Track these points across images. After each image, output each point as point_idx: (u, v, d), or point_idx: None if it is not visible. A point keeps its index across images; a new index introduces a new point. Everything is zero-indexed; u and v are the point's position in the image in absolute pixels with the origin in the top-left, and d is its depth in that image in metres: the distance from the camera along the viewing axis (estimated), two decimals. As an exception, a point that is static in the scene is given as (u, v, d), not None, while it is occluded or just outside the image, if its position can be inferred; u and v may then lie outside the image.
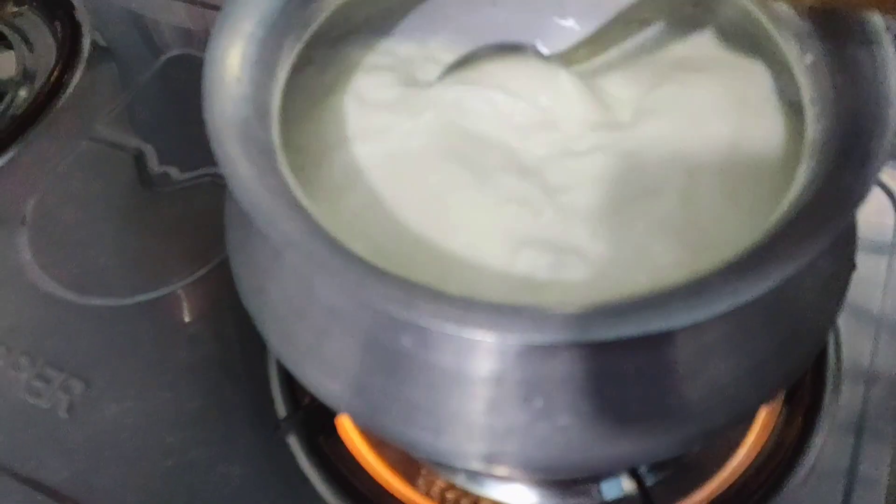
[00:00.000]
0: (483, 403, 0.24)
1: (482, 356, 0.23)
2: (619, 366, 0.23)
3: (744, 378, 0.24)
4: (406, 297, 0.21)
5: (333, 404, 0.26)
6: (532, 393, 0.23)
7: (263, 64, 0.27)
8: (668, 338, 0.23)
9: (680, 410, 0.24)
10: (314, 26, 0.30)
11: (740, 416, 0.25)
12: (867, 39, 0.25)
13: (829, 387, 0.34)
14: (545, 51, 0.35)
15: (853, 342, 0.36)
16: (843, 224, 0.21)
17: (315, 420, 0.34)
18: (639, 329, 0.20)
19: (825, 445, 0.33)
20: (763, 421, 0.34)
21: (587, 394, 0.23)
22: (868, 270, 0.38)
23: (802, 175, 0.23)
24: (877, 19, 0.25)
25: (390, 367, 0.24)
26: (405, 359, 0.24)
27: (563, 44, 0.34)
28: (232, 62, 0.26)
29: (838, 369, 0.35)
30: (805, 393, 0.34)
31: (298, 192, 0.24)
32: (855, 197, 0.21)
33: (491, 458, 0.25)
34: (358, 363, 0.25)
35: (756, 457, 0.33)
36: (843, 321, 0.36)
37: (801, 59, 0.27)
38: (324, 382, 0.26)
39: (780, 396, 0.34)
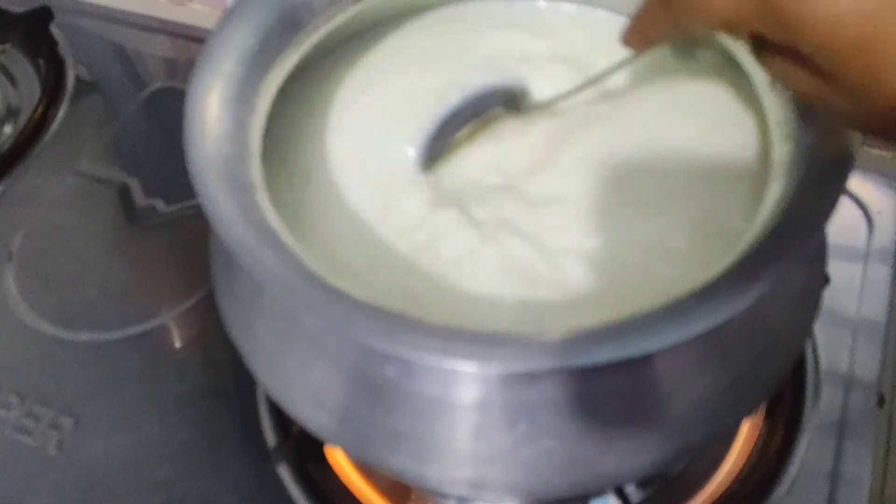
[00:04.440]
0: (467, 430, 0.24)
1: (465, 384, 0.24)
2: (600, 388, 0.23)
3: (722, 394, 0.25)
4: (387, 330, 0.21)
5: (321, 435, 0.27)
6: (516, 418, 0.24)
7: (244, 100, 0.28)
8: (646, 360, 0.23)
9: (660, 429, 0.24)
10: (293, 62, 0.30)
11: (721, 430, 0.26)
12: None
13: (809, 395, 0.35)
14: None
15: (831, 349, 0.37)
16: (809, 245, 0.22)
17: (304, 448, 0.34)
18: (616, 354, 0.21)
19: (808, 453, 0.34)
20: (746, 434, 0.34)
21: (570, 416, 0.24)
22: (843, 278, 0.39)
23: (771, 196, 0.24)
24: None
25: (375, 397, 0.25)
26: (390, 389, 0.24)
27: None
28: (212, 102, 0.27)
29: (817, 377, 0.36)
30: (786, 404, 0.35)
31: (280, 227, 0.25)
32: (820, 218, 0.22)
33: (477, 484, 0.25)
34: (344, 394, 0.25)
35: (740, 470, 0.33)
36: (820, 329, 0.37)
37: (766, 83, 0.28)
38: (311, 414, 0.27)
39: (762, 409, 0.35)
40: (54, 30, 0.56)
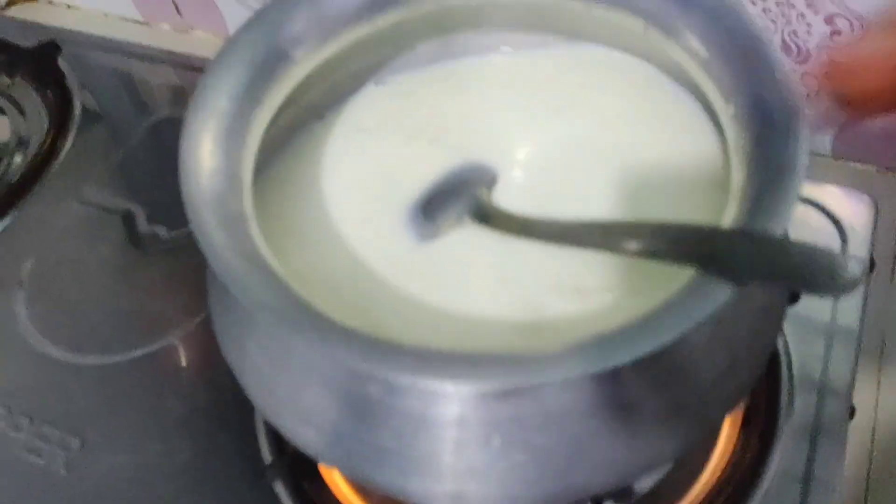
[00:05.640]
0: (446, 445, 0.26)
1: (443, 401, 0.25)
2: (566, 404, 0.25)
3: (685, 409, 0.26)
4: (365, 351, 0.23)
5: (311, 451, 0.28)
6: (490, 434, 0.25)
7: (236, 135, 0.29)
8: (610, 376, 0.25)
9: (627, 443, 0.26)
10: (282, 97, 0.32)
11: (686, 444, 0.27)
12: (780, 91, 0.27)
13: (783, 408, 0.36)
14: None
15: (805, 357, 0.38)
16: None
17: (300, 465, 0.36)
18: (582, 369, 0.22)
19: (781, 463, 0.35)
20: (721, 446, 0.36)
21: (539, 431, 0.25)
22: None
23: (727, 219, 0.26)
24: (787, 70, 0.28)
25: (361, 414, 0.26)
26: (374, 406, 0.26)
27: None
28: (206, 138, 0.29)
29: (791, 388, 0.37)
30: (760, 415, 0.36)
31: (269, 256, 0.26)
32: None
33: (457, 497, 0.27)
34: (331, 411, 0.27)
35: (715, 482, 0.35)
36: (794, 336, 0.38)
37: (725, 110, 0.29)
38: (300, 431, 0.28)
39: (738, 420, 0.36)
40: (62, 63, 0.59)
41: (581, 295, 0.30)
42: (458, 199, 0.33)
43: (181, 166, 0.27)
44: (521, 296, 0.30)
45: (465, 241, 0.32)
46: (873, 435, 0.39)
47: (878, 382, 0.39)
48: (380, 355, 0.23)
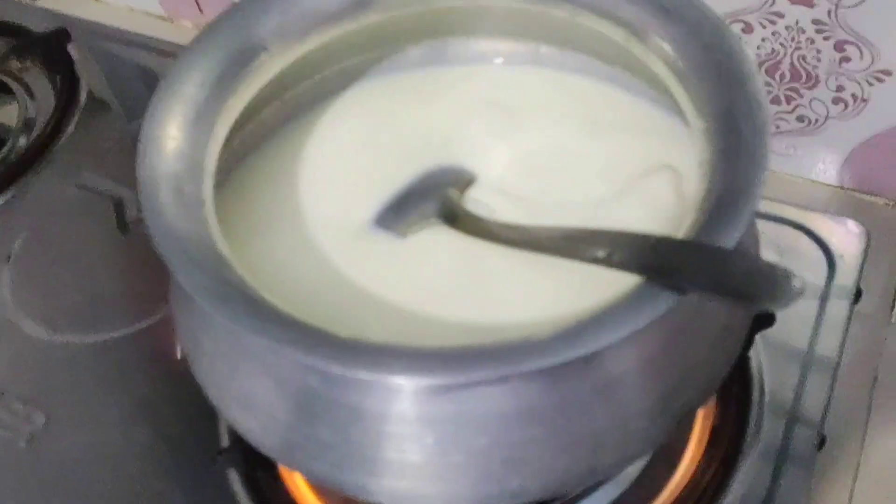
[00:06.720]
0: (382, 440, 0.25)
1: (378, 395, 0.25)
2: (504, 405, 0.24)
3: (630, 421, 0.26)
4: (297, 339, 0.23)
5: (252, 441, 0.28)
6: (425, 431, 0.25)
7: (203, 123, 0.30)
8: (549, 379, 0.24)
9: (567, 450, 0.25)
10: (256, 88, 0.32)
11: (626, 458, 0.26)
12: (750, 106, 0.27)
13: (750, 431, 0.35)
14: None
15: (779, 384, 0.37)
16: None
17: (254, 454, 0.35)
18: (509, 369, 0.22)
19: (742, 490, 0.34)
20: (685, 467, 0.35)
21: (475, 433, 0.25)
22: (799, 313, 0.39)
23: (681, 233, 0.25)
24: (759, 86, 0.27)
25: (300, 406, 0.26)
26: (313, 397, 0.26)
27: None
28: (170, 121, 0.29)
29: (760, 412, 0.36)
30: (725, 437, 0.35)
31: (220, 240, 0.26)
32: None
33: (392, 494, 0.26)
34: (271, 402, 0.27)
35: (674, 502, 0.34)
36: (769, 362, 0.38)
37: (697, 124, 0.29)
38: (243, 420, 0.28)
39: (703, 440, 0.35)
40: (72, 50, 0.60)
41: (540, 299, 0.29)
42: (429, 198, 0.33)
43: (139, 146, 0.27)
44: (481, 298, 0.30)
45: (432, 241, 0.32)
46: (857, 472, 0.38)
47: (868, 418, 0.38)
48: (311, 344, 0.23)
